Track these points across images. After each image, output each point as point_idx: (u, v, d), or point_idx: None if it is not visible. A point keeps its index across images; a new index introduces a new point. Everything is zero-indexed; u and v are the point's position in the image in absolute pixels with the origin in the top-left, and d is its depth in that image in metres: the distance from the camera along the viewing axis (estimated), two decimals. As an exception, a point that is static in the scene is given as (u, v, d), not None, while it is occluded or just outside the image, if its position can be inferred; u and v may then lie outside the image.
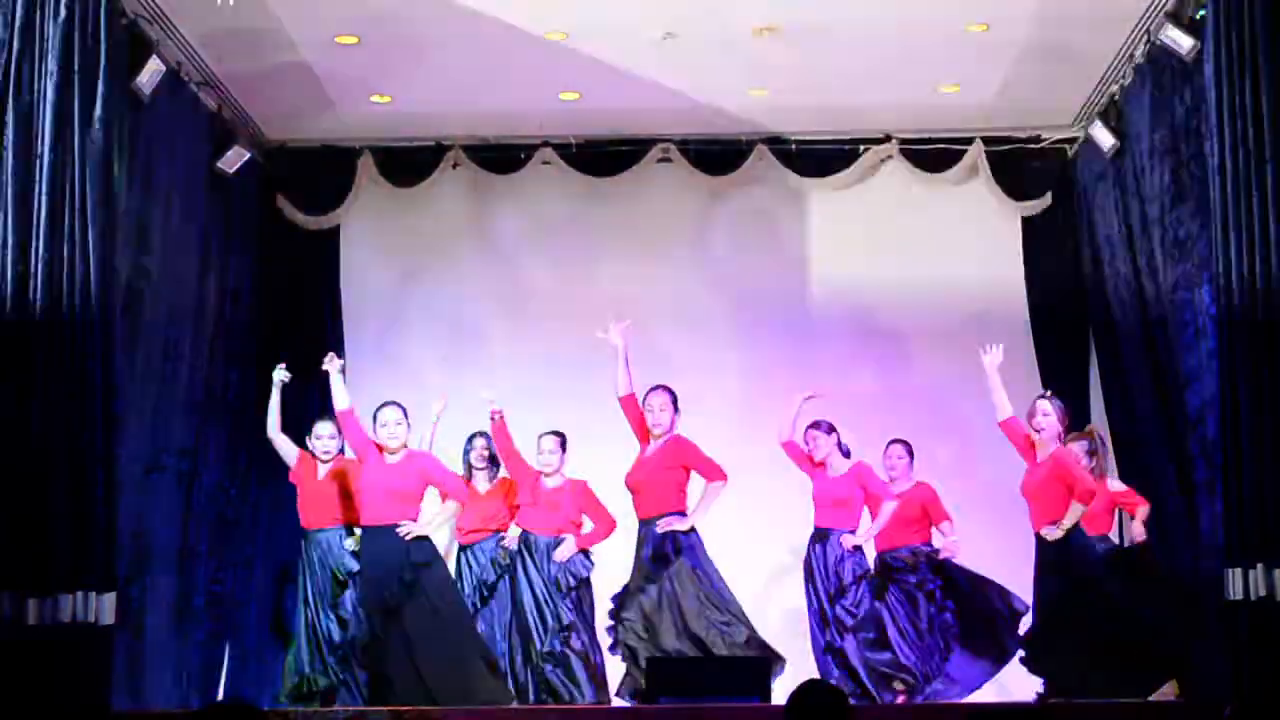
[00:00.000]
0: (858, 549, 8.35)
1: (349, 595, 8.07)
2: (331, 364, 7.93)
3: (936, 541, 8.55)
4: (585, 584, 8.23)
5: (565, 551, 8.16)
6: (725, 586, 8.01)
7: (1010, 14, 8.34)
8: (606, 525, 8.33)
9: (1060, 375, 9.87)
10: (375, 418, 7.93)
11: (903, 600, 8.42)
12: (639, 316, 9.96)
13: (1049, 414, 7.69)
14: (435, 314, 10.38)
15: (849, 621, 8.24)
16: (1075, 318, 9.99)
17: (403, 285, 10.42)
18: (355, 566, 8.07)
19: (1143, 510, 8.49)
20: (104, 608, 6.78)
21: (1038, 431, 7.70)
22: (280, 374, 8.32)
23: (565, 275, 10.33)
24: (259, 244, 9.92)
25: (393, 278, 10.43)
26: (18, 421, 6.72)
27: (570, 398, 9.38)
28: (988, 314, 10.01)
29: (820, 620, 8.35)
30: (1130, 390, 8.97)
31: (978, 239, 10.27)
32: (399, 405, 7.94)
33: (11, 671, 6.49)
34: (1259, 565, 6.72)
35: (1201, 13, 7.49)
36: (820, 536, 8.41)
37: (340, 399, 7.98)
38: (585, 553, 8.26)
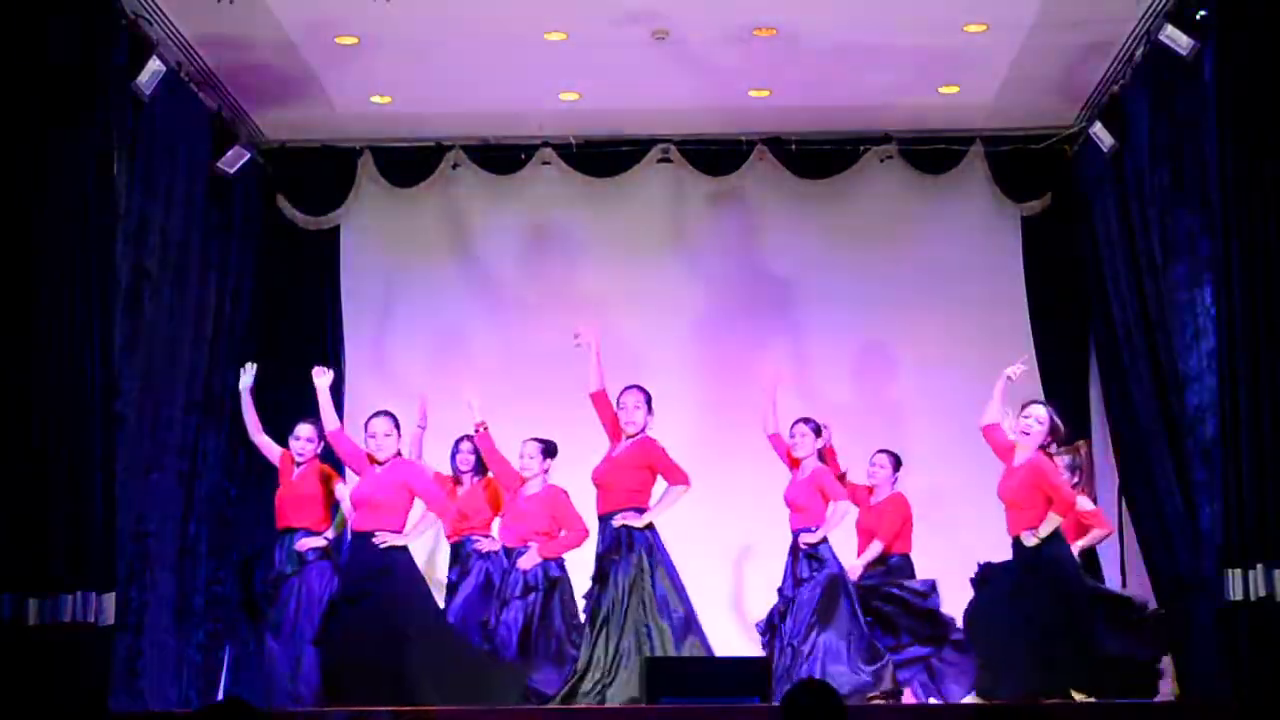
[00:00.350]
0: (814, 547, 8.30)
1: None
2: (320, 378, 7.98)
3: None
4: (548, 589, 8.15)
5: (529, 560, 8.16)
6: (679, 595, 7.94)
7: (1010, 14, 8.34)
8: (578, 534, 8.27)
9: (1060, 375, 9.90)
10: (366, 427, 7.96)
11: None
12: (638, 316, 10.06)
13: (1043, 422, 7.65)
14: (435, 314, 10.36)
15: (775, 620, 8.29)
16: (1075, 318, 9.99)
17: (403, 285, 10.41)
18: (289, 569, 8.13)
19: (1096, 533, 8.47)
20: (104, 608, 6.78)
21: (1025, 434, 7.65)
22: (246, 379, 8.43)
23: (565, 275, 10.31)
24: (259, 244, 9.90)
25: (393, 278, 10.41)
26: (18, 421, 6.72)
27: (571, 396, 9.37)
28: (987, 314, 10.02)
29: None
30: (1130, 390, 8.97)
31: (978, 239, 10.27)
32: (390, 415, 7.96)
33: (11, 671, 6.49)
34: (1259, 565, 6.73)
35: (1202, 13, 7.49)
36: (792, 541, 8.46)
37: (330, 420, 8.01)
38: (557, 560, 8.22)
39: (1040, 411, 7.70)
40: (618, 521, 7.95)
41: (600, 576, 7.95)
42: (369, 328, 10.34)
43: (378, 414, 7.96)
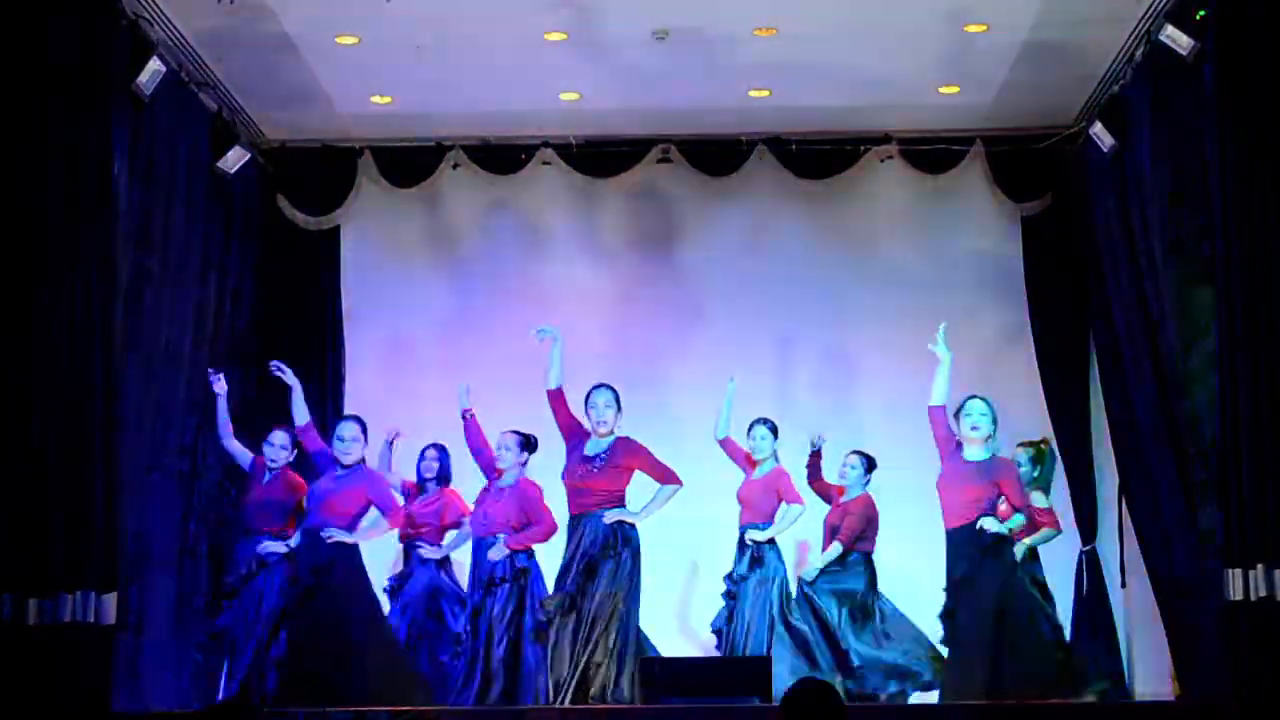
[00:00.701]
0: (758, 545, 8.33)
1: None
2: (283, 374, 8.14)
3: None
4: (515, 581, 8.12)
5: (497, 551, 8.14)
6: (639, 598, 7.94)
7: (1010, 14, 8.35)
8: (545, 528, 8.22)
9: (1060, 375, 9.89)
10: (333, 431, 8.09)
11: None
12: (638, 315, 10.05)
13: (985, 414, 7.61)
14: (435, 314, 10.37)
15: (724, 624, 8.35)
16: (1075, 318, 9.98)
17: (403, 285, 10.41)
18: (250, 570, 8.21)
19: (1046, 532, 8.46)
20: (104, 608, 6.79)
21: (974, 429, 7.58)
22: (219, 385, 8.51)
23: (565, 275, 10.32)
24: (259, 244, 9.92)
25: (393, 278, 10.42)
26: (18, 421, 6.72)
27: (570, 396, 9.37)
28: (987, 314, 10.02)
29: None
30: (1130, 390, 8.96)
31: (977, 239, 10.27)
32: (358, 421, 8.12)
33: (12, 671, 6.49)
34: (1259, 565, 6.73)
35: (1202, 13, 7.49)
36: (739, 538, 8.48)
37: (299, 414, 8.17)
38: (526, 553, 8.18)
39: (982, 405, 7.64)
40: (610, 518, 7.91)
41: (588, 570, 7.88)
42: (369, 328, 10.34)
43: (346, 419, 8.17)
